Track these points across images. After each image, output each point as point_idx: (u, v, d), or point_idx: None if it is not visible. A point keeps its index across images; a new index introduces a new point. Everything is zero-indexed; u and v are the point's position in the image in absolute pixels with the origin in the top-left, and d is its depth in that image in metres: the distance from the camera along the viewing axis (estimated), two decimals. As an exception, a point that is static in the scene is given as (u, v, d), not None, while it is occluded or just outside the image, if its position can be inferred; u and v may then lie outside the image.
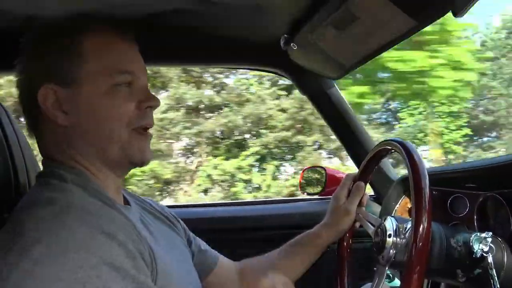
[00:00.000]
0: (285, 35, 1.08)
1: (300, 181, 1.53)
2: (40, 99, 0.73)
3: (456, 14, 0.76)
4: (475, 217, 0.97)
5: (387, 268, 0.88)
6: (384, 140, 0.96)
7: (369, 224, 0.97)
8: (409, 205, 1.17)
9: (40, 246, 0.60)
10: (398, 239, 0.85)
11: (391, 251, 0.85)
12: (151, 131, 0.81)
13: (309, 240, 1.04)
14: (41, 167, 0.80)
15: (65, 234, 0.61)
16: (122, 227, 0.66)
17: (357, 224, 1.03)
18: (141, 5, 0.91)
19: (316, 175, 1.48)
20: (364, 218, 0.99)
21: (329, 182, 1.45)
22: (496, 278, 0.80)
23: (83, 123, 0.74)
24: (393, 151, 0.92)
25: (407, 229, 0.84)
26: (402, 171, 1.59)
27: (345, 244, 1.03)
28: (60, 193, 0.69)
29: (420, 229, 0.74)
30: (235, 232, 1.44)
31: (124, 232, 0.65)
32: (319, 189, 1.47)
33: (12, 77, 0.83)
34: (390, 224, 0.87)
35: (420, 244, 0.74)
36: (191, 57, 1.28)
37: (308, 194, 1.51)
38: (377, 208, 1.35)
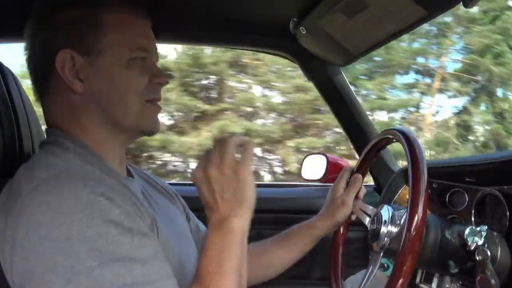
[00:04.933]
0: (295, 19, 1.07)
1: (300, 167, 1.53)
2: (58, 63, 0.74)
3: (466, 5, 0.76)
4: (472, 211, 0.97)
5: (381, 255, 0.88)
6: (386, 129, 0.96)
7: (366, 215, 0.97)
8: (407, 196, 1.17)
9: (42, 207, 0.61)
10: (393, 227, 0.85)
11: (385, 238, 0.85)
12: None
13: (304, 230, 1.04)
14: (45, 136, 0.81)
15: (67, 195, 0.62)
16: (121, 193, 0.67)
17: (353, 217, 1.03)
18: None
19: (317, 162, 1.48)
20: (360, 209, 0.99)
21: (331, 169, 1.45)
22: (492, 270, 0.80)
23: (99, 92, 0.75)
24: (394, 140, 0.92)
25: (402, 218, 0.85)
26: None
27: (340, 233, 1.03)
28: (60, 159, 0.70)
29: (415, 217, 0.75)
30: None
31: (122, 198, 0.66)
32: (319, 176, 1.47)
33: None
34: (386, 212, 0.87)
35: (414, 233, 0.74)
36: (200, 36, 1.27)
37: (308, 180, 1.52)
38: (377, 198, 1.35)
